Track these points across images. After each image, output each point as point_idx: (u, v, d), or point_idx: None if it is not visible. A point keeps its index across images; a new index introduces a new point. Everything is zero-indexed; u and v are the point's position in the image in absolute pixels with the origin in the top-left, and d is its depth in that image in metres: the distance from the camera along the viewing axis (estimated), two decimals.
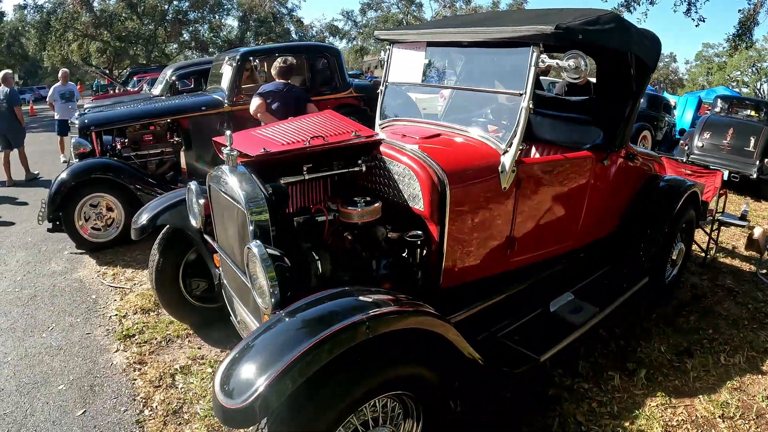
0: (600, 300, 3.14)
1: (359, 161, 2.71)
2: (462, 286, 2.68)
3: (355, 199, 2.47)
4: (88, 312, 3.91)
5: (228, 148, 2.37)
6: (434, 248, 2.52)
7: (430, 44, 3.09)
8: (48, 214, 4.93)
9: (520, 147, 2.58)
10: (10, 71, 9.74)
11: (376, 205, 2.45)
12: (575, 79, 2.47)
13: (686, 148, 8.74)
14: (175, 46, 31.62)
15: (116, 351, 3.37)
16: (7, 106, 8.28)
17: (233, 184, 2.32)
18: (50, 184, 5.48)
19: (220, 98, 5.69)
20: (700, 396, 2.94)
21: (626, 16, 15.19)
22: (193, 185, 2.93)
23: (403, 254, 2.53)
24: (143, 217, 3.19)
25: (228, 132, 2.37)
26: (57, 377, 3.11)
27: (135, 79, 20.22)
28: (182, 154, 5.67)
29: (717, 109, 9.78)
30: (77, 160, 5.31)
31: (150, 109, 5.71)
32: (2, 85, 8.33)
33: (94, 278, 4.54)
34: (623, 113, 3.29)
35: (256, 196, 2.25)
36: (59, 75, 9.91)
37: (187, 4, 27.78)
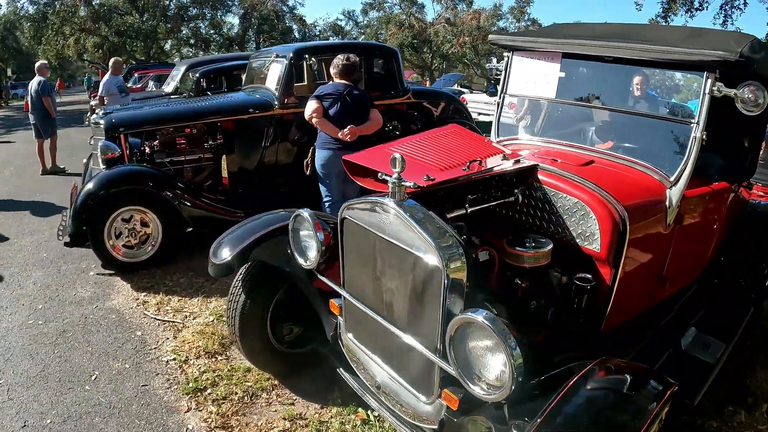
0: (720, 334, 2.89)
1: (516, 190, 2.37)
2: (618, 328, 2.40)
3: (524, 238, 2.13)
4: (137, 354, 3.22)
5: (396, 174, 1.77)
6: (603, 292, 2.21)
7: (566, 56, 2.79)
8: (71, 231, 4.23)
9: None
10: (45, 62, 9.23)
11: (550, 247, 2.12)
12: (750, 111, 2.26)
13: None
14: (171, 42, 30.74)
15: (188, 411, 2.69)
16: (37, 96, 8.42)
17: (405, 223, 1.73)
18: (75, 190, 4.80)
19: (270, 100, 5.00)
20: None
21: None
22: (306, 213, 2.29)
23: (568, 299, 2.21)
24: (225, 251, 2.53)
25: (397, 155, 1.75)
26: None
27: (136, 75, 19.40)
28: (224, 160, 4.98)
29: None
30: (104, 166, 4.61)
31: (189, 108, 5.01)
32: (36, 75, 8.49)
33: (134, 308, 3.84)
34: (752, 140, 2.93)
35: (450, 242, 1.66)
36: (111, 64, 8.95)
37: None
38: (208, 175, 5.07)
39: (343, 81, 4.16)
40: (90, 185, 4.23)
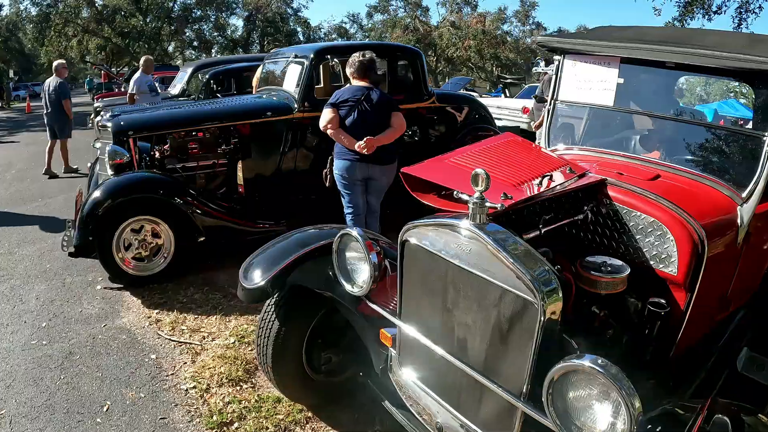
0: None
1: (585, 207, 2.13)
2: (684, 354, 2.20)
3: (598, 261, 1.90)
4: (152, 381, 2.93)
5: (478, 193, 1.49)
6: (676, 317, 2.04)
7: (624, 60, 2.58)
8: (77, 242, 3.93)
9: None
10: (63, 61, 9.05)
11: (627, 272, 1.88)
12: None
13: None
14: (174, 44, 30.51)
15: None
16: (56, 97, 8.33)
17: (489, 250, 1.49)
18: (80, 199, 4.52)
19: (288, 103, 4.71)
20: None
21: None
22: (355, 232, 2.00)
23: (641, 326, 2.00)
24: (258, 274, 2.26)
25: (480, 171, 1.48)
26: None
27: None
28: (240, 166, 4.69)
29: None
30: (112, 173, 4.32)
31: (202, 111, 4.71)
32: (54, 75, 8.45)
33: (146, 328, 3.55)
34: None
35: (544, 273, 1.38)
36: (141, 62, 8.73)
37: (193, 0, 26.70)
38: (222, 182, 4.78)
39: (361, 83, 3.82)
40: (97, 193, 3.95)
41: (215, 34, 29.25)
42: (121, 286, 4.17)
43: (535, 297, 1.44)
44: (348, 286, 2.12)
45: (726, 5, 14.30)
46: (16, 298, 4.06)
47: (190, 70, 10.46)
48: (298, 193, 4.81)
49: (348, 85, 3.95)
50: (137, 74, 8.66)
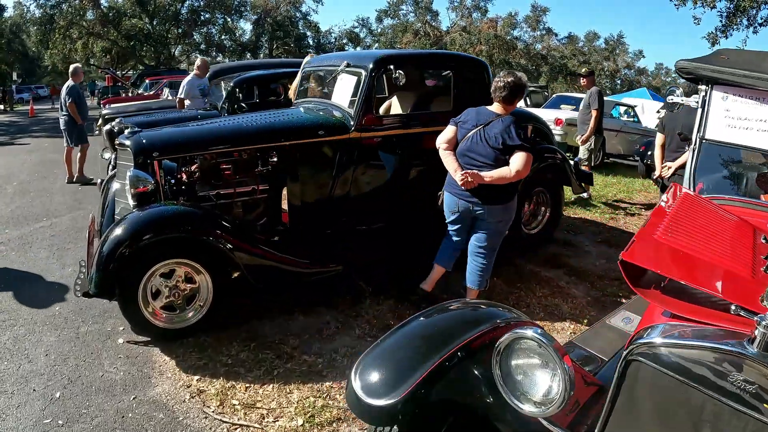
0: None
1: None
2: None
3: None
4: None
5: None
6: None
7: None
8: (94, 290, 3.22)
9: None
10: (79, 65, 8.74)
11: None
12: None
13: None
14: (181, 48, 29.87)
15: None
16: (69, 101, 8.17)
17: None
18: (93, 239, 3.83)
19: (344, 120, 4.02)
20: None
21: (722, 42, 13.92)
22: (535, 333, 1.36)
23: None
24: (383, 390, 1.56)
25: None
26: None
27: (147, 81, 18.51)
28: (285, 194, 3.99)
29: None
30: (134, 203, 3.59)
31: (242, 128, 3.98)
32: (70, 78, 8.25)
33: (188, 402, 2.84)
34: None
35: None
36: (197, 64, 8.16)
37: (201, 3, 26.04)
38: (262, 211, 4.08)
39: (498, 109, 3.40)
40: (119, 231, 3.23)
41: (224, 37, 28.57)
42: (148, 339, 3.47)
43: None
44: (523, 406, 1.44)
45: None
46: (22, 355, 3.36)
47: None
48: (354, 227, 4.12)
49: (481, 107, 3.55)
50: (189, 77, 8.05)
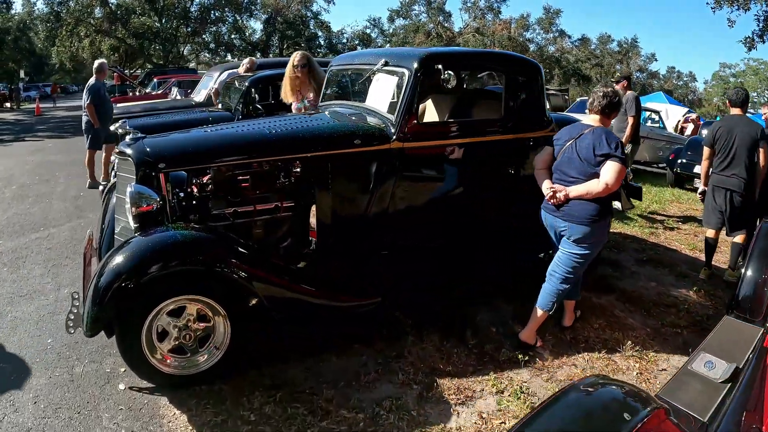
0: None
1: None
2: None
3: None
4: None
5: None
6: None
7: None
8: (88, 329, 2.65)
9: None
10: (104, 61, 8.22)
11: None
12: None
13: None
14: (191, 46, 29.43)
15: None
16: (87, 101, 7.56)
17: None
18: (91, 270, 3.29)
19: (384, 128, 3.45)
20: None
21: (759, 46, 13.28)
22: None
23: None
24: None
25: None
26: None
27: (155, 80, 18.04)
28: (314, 211, 3.43)
29: None
30: (136, 225, 3.01)
31: (265, 135, 3.37)
32: (94, 75, 7.61)
33: None
34: None
35: None
36: (245, 63, 7.78)
37: (212, 0, 25.56)
38: (286, 232, 3.51)
39: (593, 121, 3.26)
40: (118, 261, 2.66)
41: (234, 36, 28.07)
42: (153, 386, 2.92)
43: None
44: None
45: None
46: (7, 402, 2.82)
47: (216, 74, 9.27)
48: (394, 251, 3.56)
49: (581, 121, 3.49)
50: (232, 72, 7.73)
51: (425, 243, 3.69)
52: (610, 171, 2.99)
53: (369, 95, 3.80)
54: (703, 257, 5.24)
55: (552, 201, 3.15)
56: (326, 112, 4.01)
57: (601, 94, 3.21)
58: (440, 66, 3.42)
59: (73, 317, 2.90)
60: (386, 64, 3.68)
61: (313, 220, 3.46)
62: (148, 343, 2.74)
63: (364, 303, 3.26)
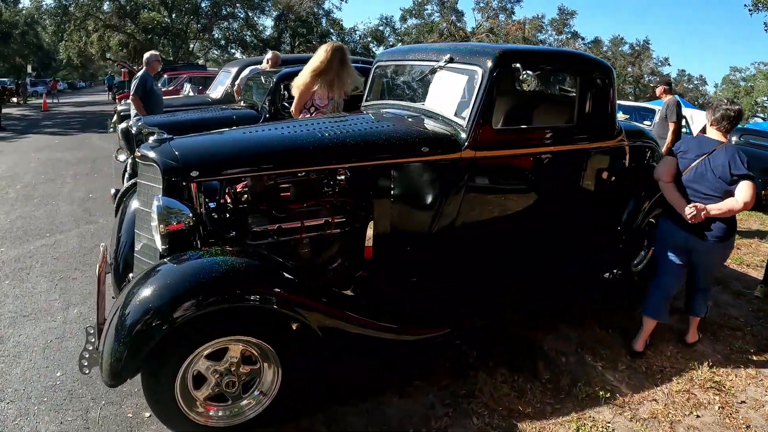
0: None
1: None
2: None
3: None
4: None
5: None
6: None
7: None
8: (108, 376, 2.14)
9: None
10: (156, 53, 7.61)
11: None
12: None
13: None
14: (200, 43, 28.96)
15: None
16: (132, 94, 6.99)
17: None
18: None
19: (453, 134, 2.93)
20: None
21: None
22: None
23: None
24: None
25: None
26: None
27: (166, 76, 17.56)
28: (371, 227, 2.91)
29: None
30: (165, 247, 2.49)
31: (317, 138, 2.83)
32: (144, 67, 6.99)
33: None
34: None
35: None
36: (269, 56, 7.43)
37: None
38: (337, 252, 3.00)
39: (719, 137, 3.24)
40: (145, 295, 2.13)
41: (246, 33, 27.54)
42: None
43: None
44: None
45: None
46: None
47: (234, 70, 8.79)
48: (467, 275, 3.06)
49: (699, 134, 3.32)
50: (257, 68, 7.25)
51: (499, 265, 3.21)
52: (748, 190, 3.05)
53: (429, 96, 3.28)
54: (752, 273, 5.02)
55: (693, 219, 3.09)
56: (375, 114, 3.50)
57: (733, 114, 3.21)
58: (518, 65, 2.88)
59: (87, 355, 2.40)
60: (451, 60, 3.17)
61: (369, 237, 2.95)
62: (183, 393, 2.24)
63: (433, 335, 2.77)
